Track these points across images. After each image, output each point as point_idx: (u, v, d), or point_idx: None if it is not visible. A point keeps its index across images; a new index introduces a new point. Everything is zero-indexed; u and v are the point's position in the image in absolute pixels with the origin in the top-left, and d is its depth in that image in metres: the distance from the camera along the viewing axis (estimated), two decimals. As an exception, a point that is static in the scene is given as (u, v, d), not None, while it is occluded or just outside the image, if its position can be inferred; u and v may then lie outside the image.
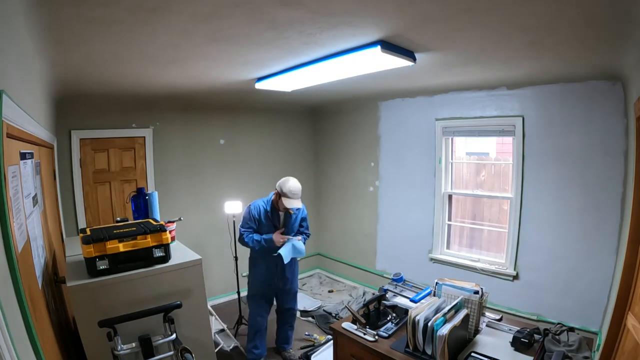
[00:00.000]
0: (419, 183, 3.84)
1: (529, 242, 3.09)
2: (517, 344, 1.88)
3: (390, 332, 2.10)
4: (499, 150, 4.26)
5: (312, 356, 3.17)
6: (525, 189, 3.08)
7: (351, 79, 2.59)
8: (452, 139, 3.65)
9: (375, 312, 2.29)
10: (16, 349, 0.80)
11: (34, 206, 1.47)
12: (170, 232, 2.05)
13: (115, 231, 1.76)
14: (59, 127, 3.16)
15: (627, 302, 1.67)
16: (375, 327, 2.16)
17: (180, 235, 2.45)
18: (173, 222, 2.37)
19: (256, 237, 2.75)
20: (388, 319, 2.25)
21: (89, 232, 1.77)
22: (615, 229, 2.59)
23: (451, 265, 3.62)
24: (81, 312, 1.59)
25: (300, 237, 2.82)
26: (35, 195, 1.57)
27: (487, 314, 2.25)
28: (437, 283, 2.14)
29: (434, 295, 2.14)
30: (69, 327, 1.92)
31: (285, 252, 2.69)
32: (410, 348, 1.87)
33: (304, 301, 4.18)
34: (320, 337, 3.46)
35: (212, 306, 3.41)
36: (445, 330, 1.72)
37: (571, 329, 1.94)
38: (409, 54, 1.95)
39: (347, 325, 2.19)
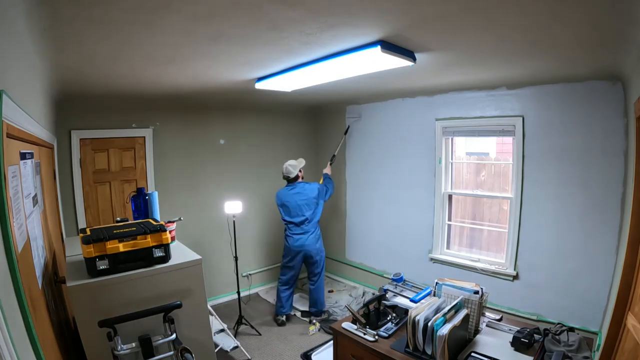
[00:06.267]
0: (419, 183, 3.84)
1: (529, 242, 3.08)
2: (517, 344, 1.88)
3: (390, 332, 2.10)
4: (499, 150, 4.25)
5: (312, 355, 3.17)
6: (525, 189, 3.08)
7: (351, 79, 2.59)
8: (452, 139, 3.65)
9: (375, 312, 2.29)
10: (16, 349, 0.80)
11: (34, 206, 1.47)
12: (170, 232, 2.05)
13: (115, 231, 1.76)
14: (59, 127, 3.16)
15: (627, 302, 1.67)
16: (375, 327, 2.16)
17: (180, 235, 2.45)
18: (173, 222, 2.37)
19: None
20: (388, 319, 2.26)
21: (89, 232, 1.77)
22: (615, 229, 2.59)
23: (451, 265, 3.62)
24: (81, 312, 1.59)
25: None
26: (35, 195, 1.57)
27: (487, 314, 2.25)
28: (437, 283, 2.14)
29: (434, 295, 2.14)
30: (69, 327, 1.92)
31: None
32: (410, 348, 1.87)
33: (304, 301, 4.18)
34: (310, 327, 3.63)
35: (212, 306, 3.41)
36: (445, 330, 1.72)
37: (571, 329, 1.94)
38: (409, 54, 1.95)
39: (347, 325, 2.19)
